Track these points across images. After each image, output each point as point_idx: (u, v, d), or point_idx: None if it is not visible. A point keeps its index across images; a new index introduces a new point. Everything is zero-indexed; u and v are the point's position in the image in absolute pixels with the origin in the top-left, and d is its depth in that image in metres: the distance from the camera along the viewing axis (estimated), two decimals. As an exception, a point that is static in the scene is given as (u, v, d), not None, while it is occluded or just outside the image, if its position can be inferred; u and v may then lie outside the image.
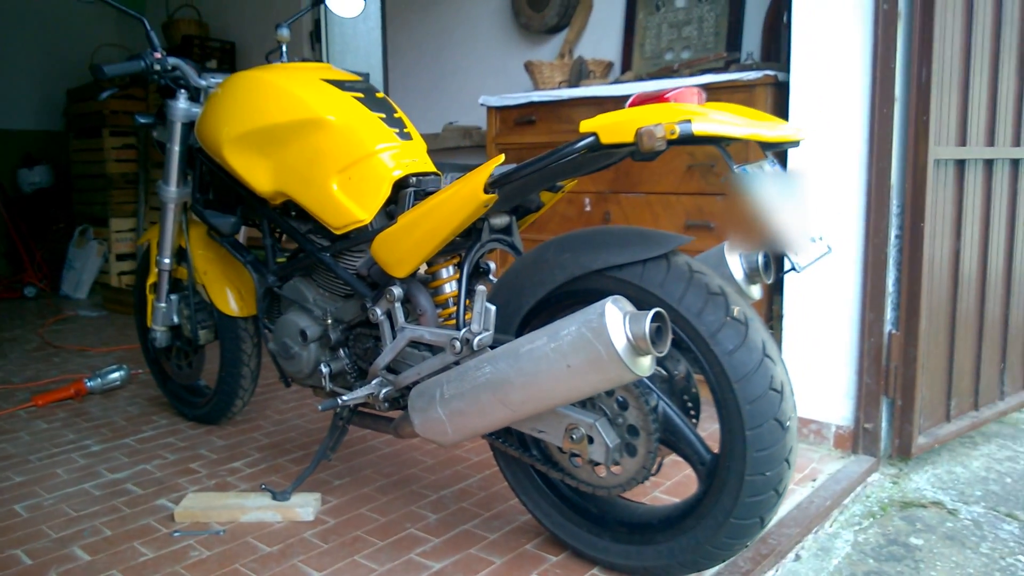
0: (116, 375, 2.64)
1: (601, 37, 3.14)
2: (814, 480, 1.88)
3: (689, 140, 1.08)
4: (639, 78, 2.70)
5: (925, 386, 1.99)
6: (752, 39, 2.69)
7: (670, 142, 1.07)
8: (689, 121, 1.07)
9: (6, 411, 2.46)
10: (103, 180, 4.71)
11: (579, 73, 2.86)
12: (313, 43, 4.46)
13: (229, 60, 4.75)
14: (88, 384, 2.59)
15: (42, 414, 2.44)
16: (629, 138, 1.11)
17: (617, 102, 2.43)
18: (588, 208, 2.61)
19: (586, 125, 1.19)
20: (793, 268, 1.11)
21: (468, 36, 3.66)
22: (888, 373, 1.96)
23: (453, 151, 3.54)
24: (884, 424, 2.01)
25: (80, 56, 5.46)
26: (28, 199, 5.18)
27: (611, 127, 1.15)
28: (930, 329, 1.97)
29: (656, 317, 1.10)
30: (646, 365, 1.13)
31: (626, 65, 2.99)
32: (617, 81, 2.72)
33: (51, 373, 2.92)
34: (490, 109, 2.87)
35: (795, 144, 1.18)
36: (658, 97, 1.17)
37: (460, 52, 3.71)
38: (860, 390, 1.98)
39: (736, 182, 1.10)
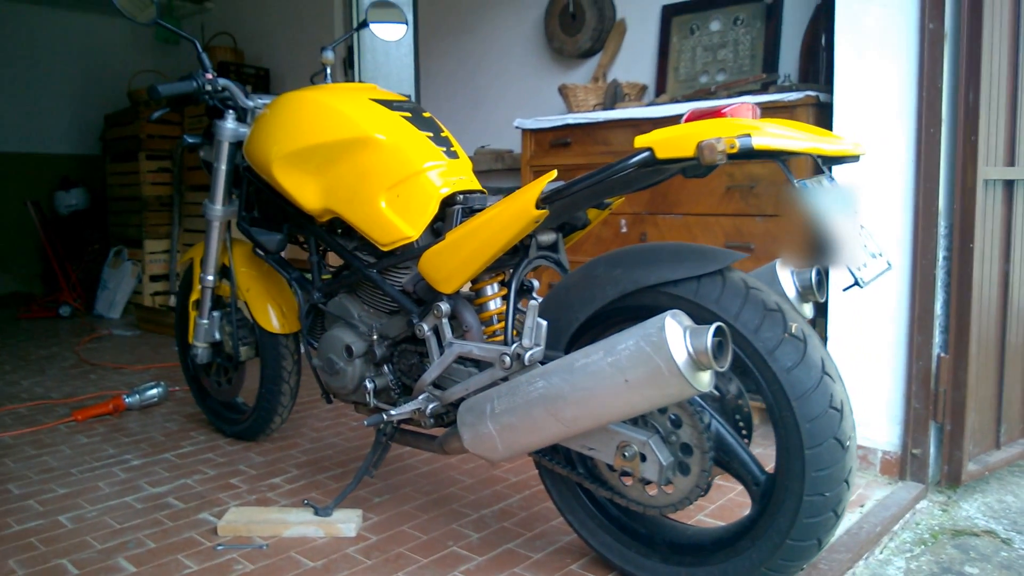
0: (154, 392, 2.67)
1: (634, 61, 3.16)
2: (862, 506, 1.84)
3: (749, 154, 1.07)
4: (674, 100, 2.72)
5: (974, 411, 1.95)
6: (788, 62, 2.69)
7: (730, 156, 1.07)
8: (749, 135, 1.07)
9: (47, 425, 2.49)
10: (138, 203, 4.80)
11: (614, 96, 2.88)
12: (346, 69, 4.53)
13: (263, 86, 4.84)
14: (127, 400, 2.61)
15: (82, 429, 2.46)
16: (688, 152, 1.11)
17: (654, 124, 2.44)
18: (624, 230, 2.61)
19: (641, 140, 1.19)
20: (856, 283, 1.10)
21: (501, 61, 3.71)
22: (937, 398, 1.92)
23: (485, 174, 3.56)
24: (932, 450, 1.96)
25: (117, 82, 5.60)
26: (64, 221, 5.29)
27: (668, 142, 1.15)
28: (979, 352, 1.93)
29: (717, 332, 1.09)
30: (706, 380, 1.12)
31: (660, 88, 3.01)
32: (652, 103, 2.73)
33: (89, 390, 2.95)
34: (525, 131, 2.90)
35: (855, 159, 1.18)
36: (714, 112, 1.17)
37: (493, 77, 3.76)
38: (908, 415, 1.95)
39: (798, 197, 1.09)
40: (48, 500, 1.88)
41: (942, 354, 1.92)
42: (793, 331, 1.19)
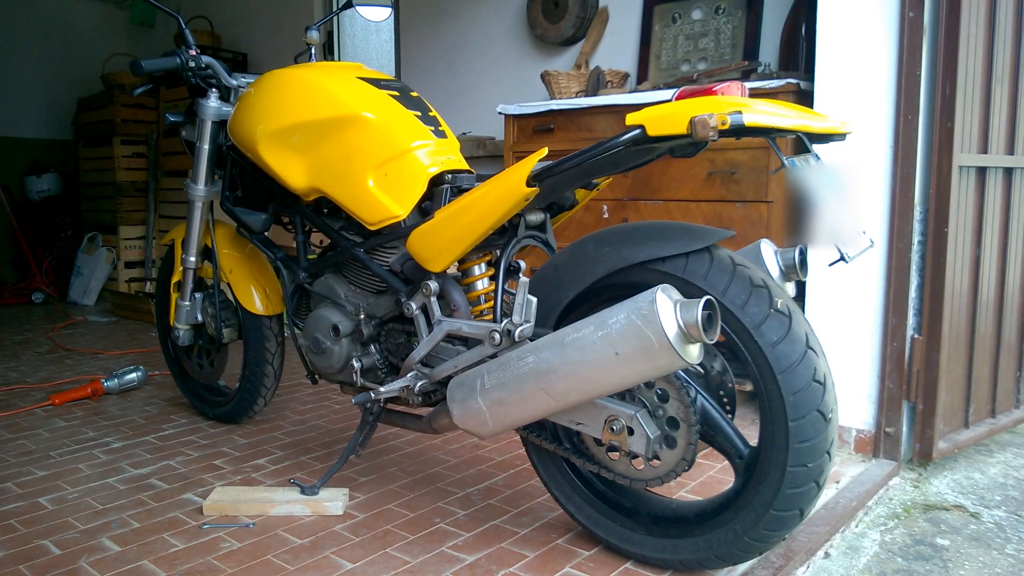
0: (133, 375, 2.64)
1: (617, 49, 3.18)
2: (837, 482, 1.89)
3: (740, 131, 1.10)
4: (656, 88, 2.74)
5: (945, 391, 2.01)
6: (768, 51, 2.73)
7: (721, 133, 1.09)
8: (740, 112, 1.09)
9: (24, 409, 2.45)
10: (112, 188, 4.73)
11: (597, 83, 2.89)
12: (326, 54, 4.50)
13: (241, 70, 4.78)
14: (105, 384, 2.58)
15: (60, 412, 2.43)
16: (680, 129, 1.13)
17: (637, 110, 2.46)
18: (606, 215, 2.63)
19: (632, 118, 1.21)
20: (842, 259, 1.13)
21: (482, 48, 3.71)
22: (910, 377, 1.97)
23: (467, 161, 3.56)
24: (905, 429, 2.02)
25: (90, 66, 5.50)
26: (36, 206, 5.18)
27: (660, 119, 1.17)
28: (951, 334, 1.99)
29: (707, 305, 1.11)
30: (696, 353, 1.15)
31: (642, 76, 3.04)
32: (635, 91, 2.76)
33: (65, 374, 2.91)
34: (508, 117, 2.90)
35: (842, 137, 1.21)
36: (705, 91, 1.19)
37: (474, 64, 3.75)
38: (882, 394, 2.00)
39: (787, 174, 1.12)
40: (27, 483, 1.86)
41: (915, 335, 1.97)
42: (779, 307, 1.22)
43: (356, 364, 1.72)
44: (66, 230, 5.06)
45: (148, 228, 4.75)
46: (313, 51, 2.13)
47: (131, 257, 4.70)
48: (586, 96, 2.86)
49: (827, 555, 1.60)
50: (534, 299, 1.38)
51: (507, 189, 1.37)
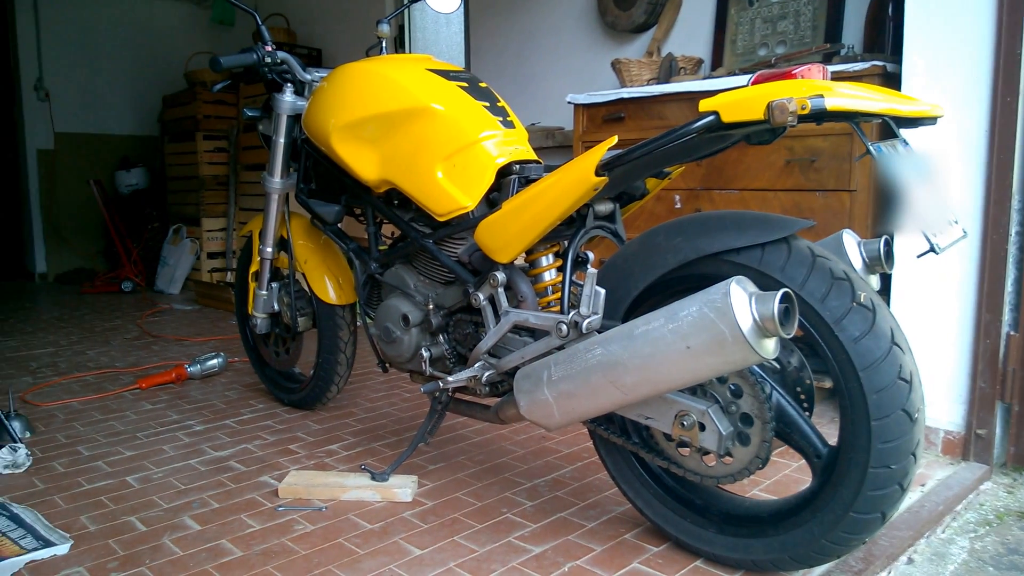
0: (214, 362, 2.74)
1: (690, 34, 3.10)
2: (923, 485, 1.79)
3: (821, 115, 1.05)
4: (732, 73, 2.66)
5: (1044, 392, 1.88)
6: (851, 32, 2.61)
7: (801, 118, 1.05)
8: (821, 96, 1.04)
9: (113, 392, 2.59)
10: (196, 182, 4.92)
11: (669, 70, 2.83)
12: (397, 47, 4.56)
13: (315, 66, 4.89)
14: (188, 369, 2.69)
15: (146, 396, 2.55)
16: (757, 115, 1.08)
17: (710, 97, 2.40)
18: (679, 206, 2.57)
19: (706, 104, 1.17)
20: (932, 250, 1.06)
21: (552, 37, 3.68)
22: (1005, 377, 1.86)
23: (536, 152, 3.55)
24: (998, 431, 1.90)
25: (173, 64, 5.74)
26: (125, 200, 5.45)
27: (735, 104, 1.13)
28: (1051, 331, 1.86)
29: (784, 298, 1.07)
30: (771, 348, 1.11)
31: (716, 62, 2.95)
32: (709, 77, 2.68)
33: (152, 360, 3.06)
34: (577, 107, 2.87)
35: (932, 121, 1.14)
36: (784, 74, 1.14)
37: (544, 54, 3.73)
38: (973, 394, 1.89)
39: (873, 161, 1.06)
40: (116, 461, 1.96)
41: (1012, 332, 1.85)
42: (861, 300, 1.17)
43: (425, 353, 1.73)
44: (153, 222, 5.31)
45: (229, 220, 4.92)
46: (384, 44, 2.15)
47: (213, 248, 4.89)
48: (658, 84, 2.80)
49: (911, 561, 1.53)
50: (602, 290, 1.35)
51: (575, 178, 1.35)
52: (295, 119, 2.08)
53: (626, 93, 2.68)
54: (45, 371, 2.88)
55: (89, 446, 2.08)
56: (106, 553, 1.48)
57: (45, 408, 2.42)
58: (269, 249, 2.21)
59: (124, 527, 1.59)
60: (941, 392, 1.95)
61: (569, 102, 2.89)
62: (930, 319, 1.94)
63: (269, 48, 2.01)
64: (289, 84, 2.07)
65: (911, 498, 1.72)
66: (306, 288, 2.19)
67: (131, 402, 2.48)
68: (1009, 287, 1.84)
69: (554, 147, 3.46)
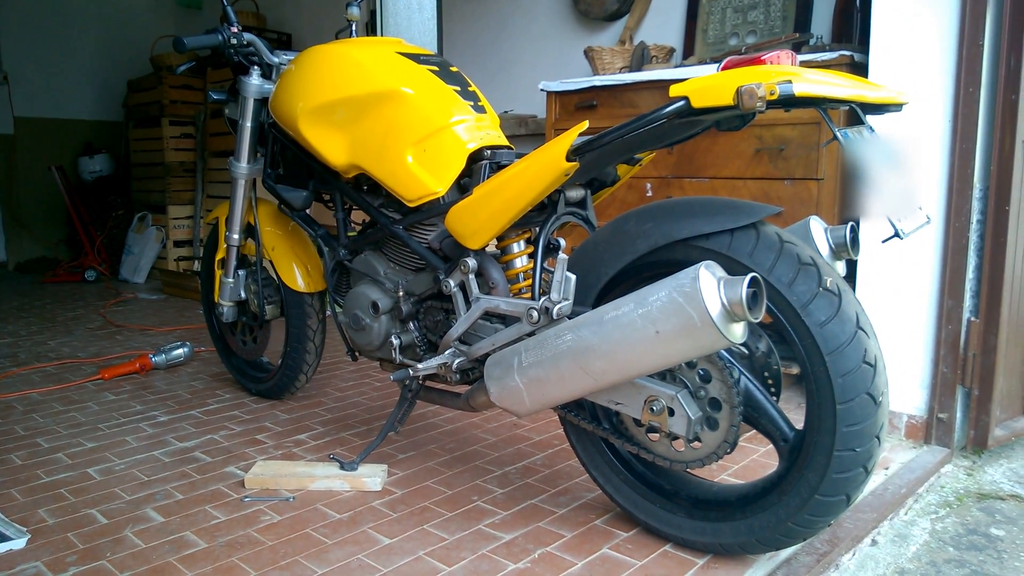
0: (180, 351, 2.69)
1: (662, 23, 3.11)
2: (886, 469, 1.83)
3: (789, 101, 1.05)
4: (703, 62, 2.67)
5: (1003, 377, 1.92)
6: (820, 23, 2.63)
7: (770, 103, 1.05)
8: (790, 81, 1.04)
9: (75, 382, 2.53)
10: (161, 168, 4.82)
11: (641, 58, 2.83)
12: (368, 32, 4.50)
13: (285, 49, 4.82)
14: (153, 359, 2.64)
15: (109, 387, 2.50)
16: (726, 100, 1.08)
17: (682, 85, 2.40)
18: (650, 193, 2.58)
19: (676, 89, 1.17)
20: (897, 235, 1.08)
21: (525, 25, 3.66)
22: (966, 362, 1.90)
23: (509, 139, 3.53)
24: (959, 415, 1.94)
25: (138, 48, 5.60)
26: (88, 187, 5.32)
27: (704, 90, 1.13)
28: (1010, 318, 1.90)
29: (752, 283, 1.08)
30: (739, 332, 1.11)
31: (688, 51, 2.96)
32: (680, 65, 2.69)
33: (115, 350, 2.99)
34: (550, 94, 2.86)
35: (898, 108, 1.15)
36: (753, 60, 1.15)
37: (517, 41, 3.71)
38: (935, 379, 1.93)
39: (840, 147, 1.07)
40: (77, 453, 1.92)
41: (972, 318, 1.89)
42: (828, 285, 1.18)
43: (395, 341, 1.72)
44: (117, 210, 5.19)
45: (196, 207, 4.83)
46: (354, 27, 2.12)
47: (179, 236, 4.80)
48: (630, 72, 2.80)
49: (874, 542, 1.55)
50: (573, 276, 1.35)
51: (546, 164, 1.35)
52: (262, 103, 2.04)
53: (598, 81, 2.68)
54: (3, 362, 2.80)
55: (49, 438, 2.03)
56: (65, 547, 1.45)
57: (3, 399, 2.35)
58: (236, 236, 2.17)
59: (84, 520, 1.56)
60: (905, 377, 1.98)
61: (542, 89, 2.88)
62: (894, 305, 1.97)
63: (235, 29, 1.97)
64: (256, 67, 2.03)
65: (875, 481, 1.75)
66: (274, 276, 2.15)
67: (93, 393, 2.43)
68: (970, 274, 1.88)
69: (527, 135, 3.45)
